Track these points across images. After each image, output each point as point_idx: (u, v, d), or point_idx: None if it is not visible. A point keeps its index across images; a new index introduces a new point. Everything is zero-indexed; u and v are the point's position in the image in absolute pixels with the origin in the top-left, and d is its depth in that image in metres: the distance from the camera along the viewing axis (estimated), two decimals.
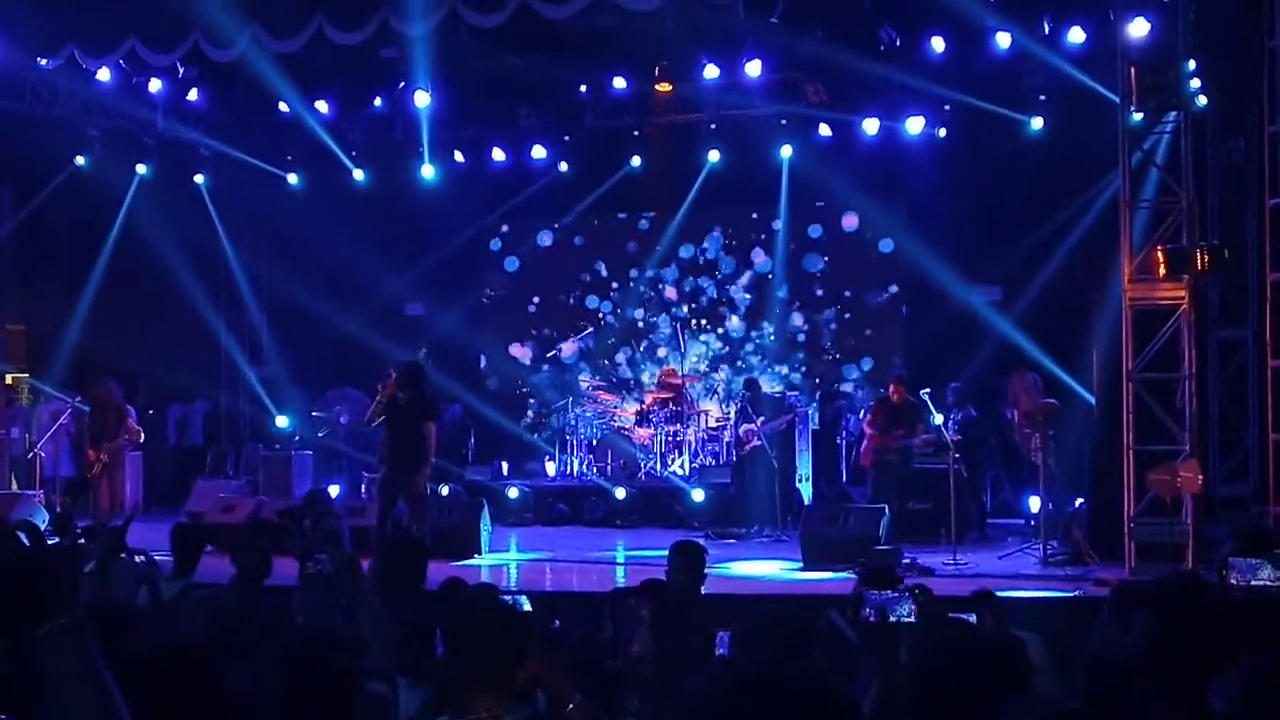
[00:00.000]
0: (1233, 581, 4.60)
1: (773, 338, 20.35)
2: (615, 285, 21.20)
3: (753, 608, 9.64)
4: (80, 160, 18.90)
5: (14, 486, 17.23)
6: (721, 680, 2.35)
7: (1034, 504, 14.84)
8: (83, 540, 10.27)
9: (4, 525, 10.49)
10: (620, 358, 21.04)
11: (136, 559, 9.38)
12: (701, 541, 8.79)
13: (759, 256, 20.53)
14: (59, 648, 2.81)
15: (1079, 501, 14.03)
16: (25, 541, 7.75)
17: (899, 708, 3.80)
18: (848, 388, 19.72)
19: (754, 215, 20.52)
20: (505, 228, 21.43)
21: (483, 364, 21.44)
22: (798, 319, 20.29)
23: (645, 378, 20.68)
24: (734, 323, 20.61)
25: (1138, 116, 12.59)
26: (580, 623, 7.61)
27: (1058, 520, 13.91)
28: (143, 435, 16.50)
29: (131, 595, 7.73)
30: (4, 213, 19.48)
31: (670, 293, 20.95)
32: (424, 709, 4.58)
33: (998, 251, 17.62)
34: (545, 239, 21.39)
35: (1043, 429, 14.24)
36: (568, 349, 21.01)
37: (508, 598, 5.34)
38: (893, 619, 4.04)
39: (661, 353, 20.67)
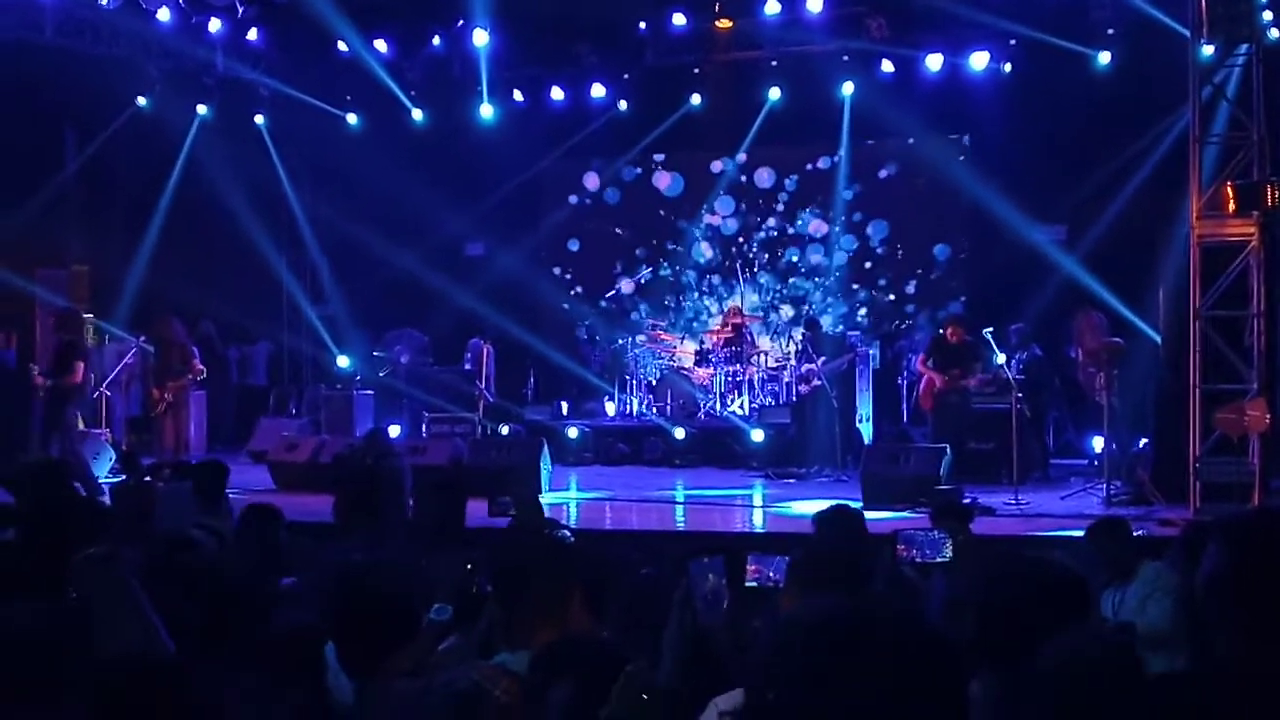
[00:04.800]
0: None
1: (833, 277, 20.27)
2: (677, 223, 21.18)
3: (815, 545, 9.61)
4: (142, 101, 18.97)
5: (81, 425, 17.42)
6: (801, 627, 2.18)
7: (1098, 444, 14.70)
8: (149, 477, 10.42)
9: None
10: (681, 296, 21.07)
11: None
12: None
13: (819, 194, 20.40)
14: (92, 574, 2.89)
15: (1143, 441, 13.90)
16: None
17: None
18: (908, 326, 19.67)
19: (815, 152, 20.37)
20: (565, 166, 21.42)
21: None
22: (858, 257, 20.21)
23: (708, 317, 20.69)
24: (793, 260, 20.55)
25: (1208, 49, 12.35)
26: (634, 562, 7.60)
27: (1122, 460, 13.78)
28: (205, 372, 16.63)
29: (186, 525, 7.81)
30: (68, 154, 19.59)
31: (728, 231, 20.95)
32: (483, 639, 4.58)
33: (1063, 189, 17.42)
34: (595, 180, 21.37)
35: (1107, 368, 14.07)
36: (626, 287, 21.04)
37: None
38: (930, 559, 3.98)
39: (730, 302, 20.62)
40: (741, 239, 20.87)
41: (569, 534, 5.16)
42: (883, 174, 20.14)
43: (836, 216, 20.24)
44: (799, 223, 20.60)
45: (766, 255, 20.71)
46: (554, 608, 4.00)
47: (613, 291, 20.87)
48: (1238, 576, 2.74)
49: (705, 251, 21.08)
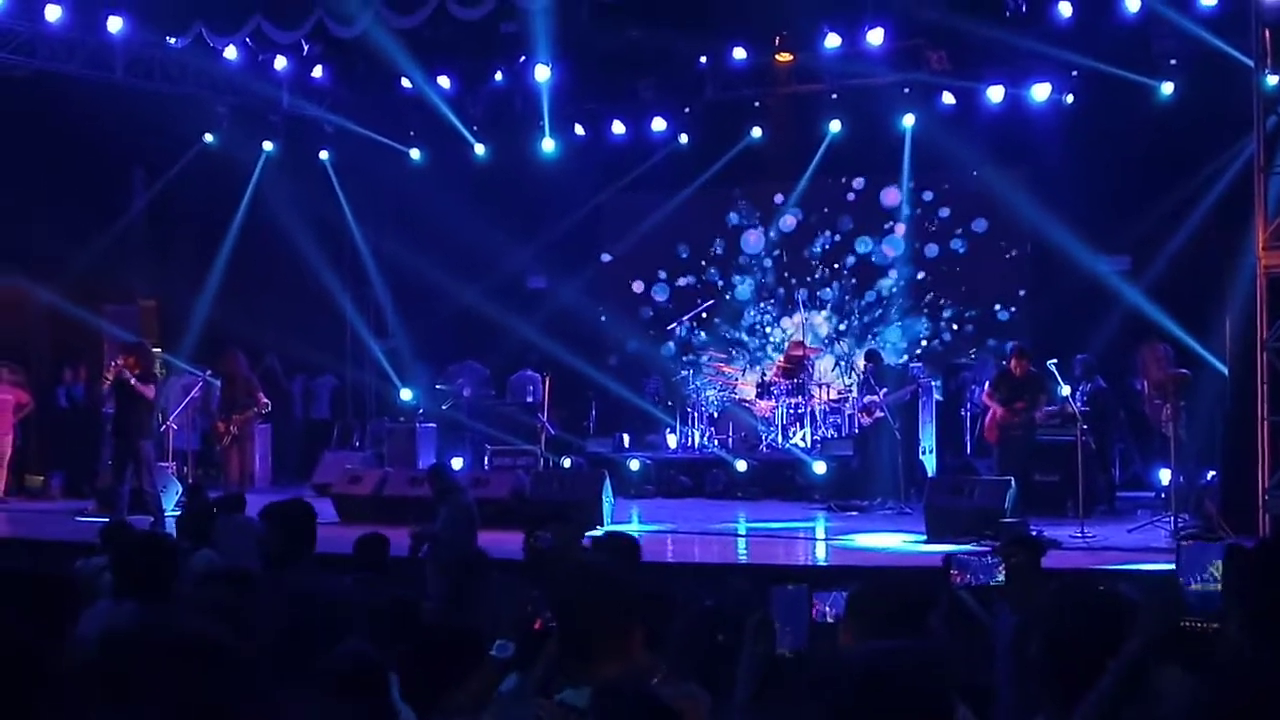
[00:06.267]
0: None
1: (895, 308, 20.17)
2: (725, 216, 21.20)
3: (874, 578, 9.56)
4: (209, 138, 19.28)
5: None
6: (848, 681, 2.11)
7: (1164, 476, 14.53)
8: (216, 510, 10.52)
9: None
10: (740, 329, 21.03)
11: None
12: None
13: (881, 227, 20.33)
14: None
15: (1211, 474, 13.72)
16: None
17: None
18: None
19: (876, 185, 20.30)
20: (627, 200, 21.45)
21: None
22: (921, 288, 20.11)
23: (769, 349, 20.64)
24: (855, 293, 20.47)
25: (1272, 80, 12.31)
26: (699, 594, 7.59)
27: (1189, 493, 13.60)
28: (269, 406, 16.80)
29: (247, 557, 7.85)
30: (136, 190, 19.89)
31: (787, 229, 20.89)
32: (543, 677, 4.59)
33: (1126, 220, 17.24)
34: (664, 211, 21.37)
35: (1174, 400, 13.94)
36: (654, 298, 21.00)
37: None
38: (985, 583, 3.96)
39: (788, 324, 20.57)
40: (803, 250, 20.76)
41: None
42: (975, 173, 19.84)
43: (899, 248, 20.11)
44: (879, 199, 20.34)
45: (829, 270, 20.59)
46: (614, 643, 4.00)
47: (676, 327, 20.70)
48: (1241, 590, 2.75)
49: (753, 242, 20.97)
